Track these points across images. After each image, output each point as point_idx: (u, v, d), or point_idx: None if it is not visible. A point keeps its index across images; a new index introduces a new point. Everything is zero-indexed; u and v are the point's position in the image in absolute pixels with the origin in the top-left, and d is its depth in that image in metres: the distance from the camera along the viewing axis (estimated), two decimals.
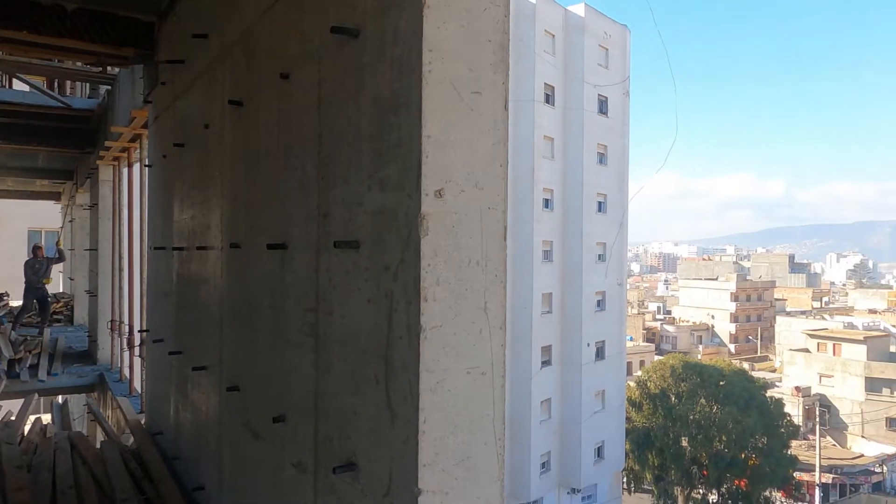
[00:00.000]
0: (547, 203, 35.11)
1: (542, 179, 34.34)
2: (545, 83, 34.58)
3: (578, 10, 36.08)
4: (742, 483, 41.06)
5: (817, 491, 49.52)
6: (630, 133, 39.91)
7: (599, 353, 37.25)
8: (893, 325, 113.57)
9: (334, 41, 2.18)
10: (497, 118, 1.91)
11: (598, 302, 37.19)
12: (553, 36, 35.12)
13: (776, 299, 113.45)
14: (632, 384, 45.54)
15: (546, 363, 34.92)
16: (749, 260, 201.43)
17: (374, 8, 1.98)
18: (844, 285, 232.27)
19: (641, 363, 63.94)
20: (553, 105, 35.23)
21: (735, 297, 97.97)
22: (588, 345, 36.06)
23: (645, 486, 43.88)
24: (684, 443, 40.73)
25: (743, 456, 40.36)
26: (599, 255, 37.02)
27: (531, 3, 33.55)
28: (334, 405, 2.31)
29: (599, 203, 37.04)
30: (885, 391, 61.04)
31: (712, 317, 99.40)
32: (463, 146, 1.89)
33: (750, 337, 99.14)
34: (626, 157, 39.37)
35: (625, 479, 42.25)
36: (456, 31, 1.87)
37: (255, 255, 3.13)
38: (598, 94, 36.71)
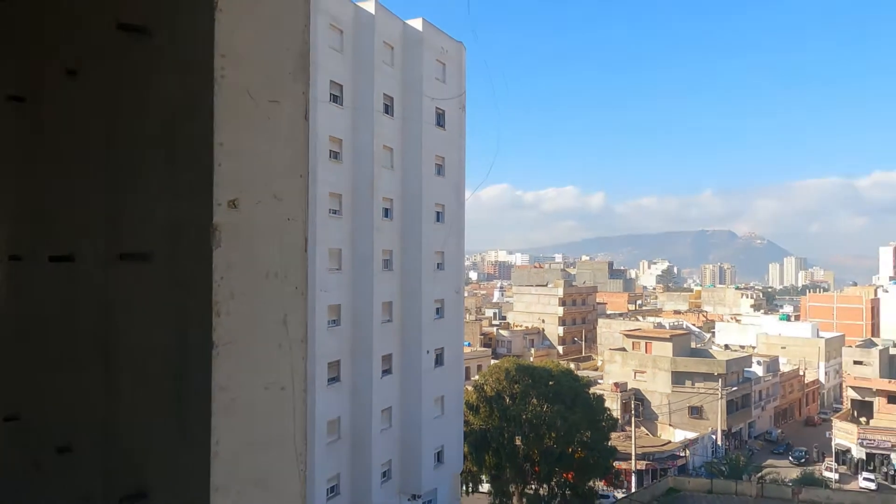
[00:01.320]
0: (387, 212, 35.38)
1: (381, 189, 34.54)
2: (384, 93, 34.91)
3: (417, 24, 36.91)
4: (570, 476, 44.00)
5: (633, 477, 54.34)
6: (466, 146, 41.40)
7: (439, 360, 38.10)
8: (693, 324, 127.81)
9: (124, 39, 2.02)
10: (297, 128, 1.86)
11: (438, 310, 38.07)
12: (392, 48, 35.59)
13: (598, 303, 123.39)
14: (470, 388, 47.14)
15: (387, 372, 35.06)
16: (575, 267, 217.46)
17: (167, 7, 1.86)
18: (654, 289, 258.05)
19: (479, 368, 66.33)
20: (392, 116, 35.64)
21: (562, 302, 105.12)
22: (428, 352, 36.75)
23: (482, 487, 45.53)
24: (518, 442, 42.86)
25: (570, 450, 43.27)
26: (438, 264, 37.94)
27: (370, 13, 33.76)
28: (125, 430, 2.13)
29: (438, 213, 38.02)
30: (688, 383, 68.62)
31: (543, 321, 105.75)
32: (260, 156, 1.82)
33: (576, 339, 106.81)
34: (462, 168, 40.79)
35: (463, 482, 43.50)
36: (252, 36, 1.81)
37: (38, 267, 2.81)
38: (436, 108, 37.75)
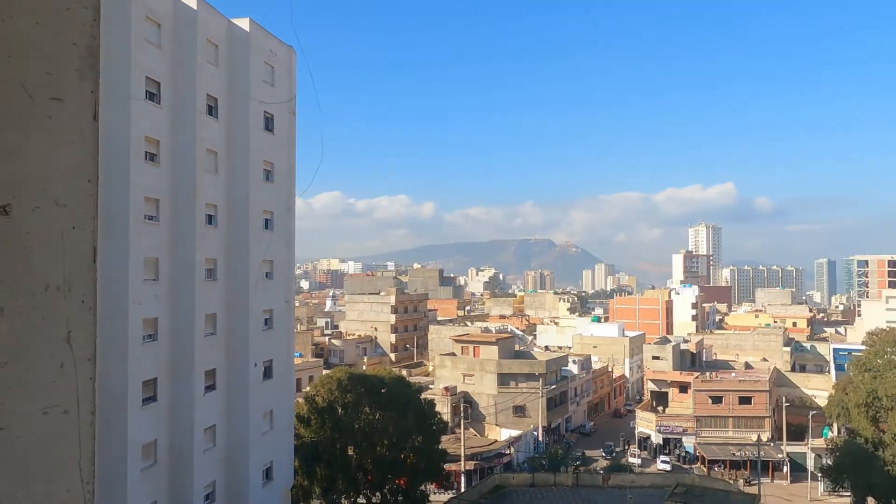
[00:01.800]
0: (210, 219, 33.46)
1: (205, 194, 32.63)
2: (208, 94, 33.07)
3: (244, 24, 35.46)
4: (402, 482, 44.44)
5: (462, 478, 56.16)
6: (297, 152, 40.47)
7: (268, 373, 36.69)
8: (517, 328, 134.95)
9: None
10: (84, 128, 1.73)
11: (266, 320, 36.68)
12: (216, 46, 33.86)
13: (429, 310, 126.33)
14: (301, 400, 45.95)
15: (210, 388, 33.06)
16: (407, 275, 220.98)
17: None
18: (482, 295, 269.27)
19: (311, 378, 64.96)
20: (217, 118, 33.87)
21: (395, 310, 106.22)
22: (255, 365, 35.24)
23: (314, 502, 44.50)
24: (351, 451, 42.49)
25: (403, 456, 43.71)
26: (267, 273, 36.61)
27: (192, 8, 31.87)
28: None
29: (266, 220, 36.70)
30: (513, 384, 72.46)
31: (376, 329, 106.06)
32: (37, 157, 1.67)
33: (408, 345, 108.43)
34: (292, 175, 39.77)
35: (294, 497, 42.21)
36: (29, 27, 1.65)
37: None
38: (265, 111, 36.49)
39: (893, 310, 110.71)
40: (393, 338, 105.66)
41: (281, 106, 37.70)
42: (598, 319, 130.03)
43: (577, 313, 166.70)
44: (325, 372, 59.51)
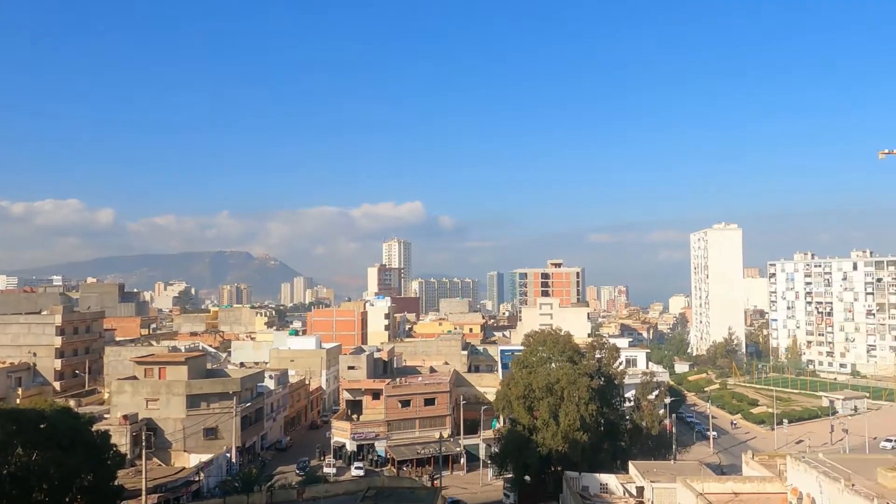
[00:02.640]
0: None
1: None
2: None
3: None
4: None
5: None
6: None
7: None
8: (210, 345, 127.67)
9: None
10: None
11: None
12: None
13: (106, 329, 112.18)
14: None
15: None
16: (78, 290, 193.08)
17: None
18: (171, 311, 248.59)
19: None
20: None
21: (61, 331, 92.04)
22: None
23: None
24: None
25: (68, 500, 37.94)
26: None
27: None
28: None
29: None
30: (204, 405, 68.12)
31: (35, 354, 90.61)
32: None
33: (78, 371, 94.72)
34: None
35: None
36: None
37: None
38: None
39: (545, 314, 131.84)
40: (58, 363, 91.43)
41: None
42: (296, 333, 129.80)
43: (274, 327, 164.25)
44: None
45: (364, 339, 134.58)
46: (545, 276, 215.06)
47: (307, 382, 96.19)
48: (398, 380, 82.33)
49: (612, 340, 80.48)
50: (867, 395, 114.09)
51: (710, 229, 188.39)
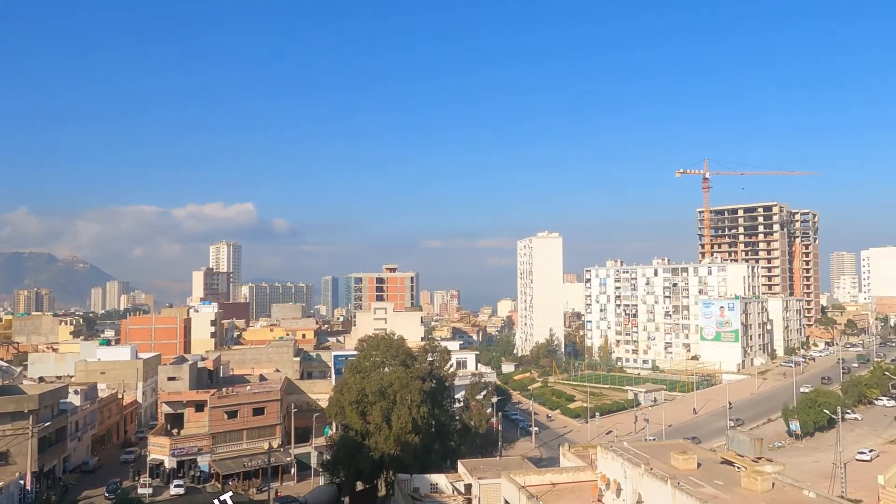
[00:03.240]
0: None
1: None
2: None
3: None
4: None
5: None
6: None
7: None
8: (2, 358, 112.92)
9: None
10: None
11: None
12: None
13: None
14: None
15: None
16: None
17: None
18: None
19: None
20: None
21: None
22: None
23: None
24: None
25: None
26: None
27: None
28: None
29: None
30: None
31: None
32: None
33: None
34: None
35: None
36: None
37: None
38: None
39: (379, 318, 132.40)
40: None
41: None
42: (107, 342, 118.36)
43: (82, 337, 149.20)
44: None
45: (187, 348, 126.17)
46: (380, 280, 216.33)
47: (120, 397, 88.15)
48: (224, 390, 78.20)
49: (444, 343, 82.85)
50: (664, 387, 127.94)
51: (534, 237, 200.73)
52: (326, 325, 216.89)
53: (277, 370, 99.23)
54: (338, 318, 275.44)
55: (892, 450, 74.42)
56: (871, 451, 75.57)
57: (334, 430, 71.96)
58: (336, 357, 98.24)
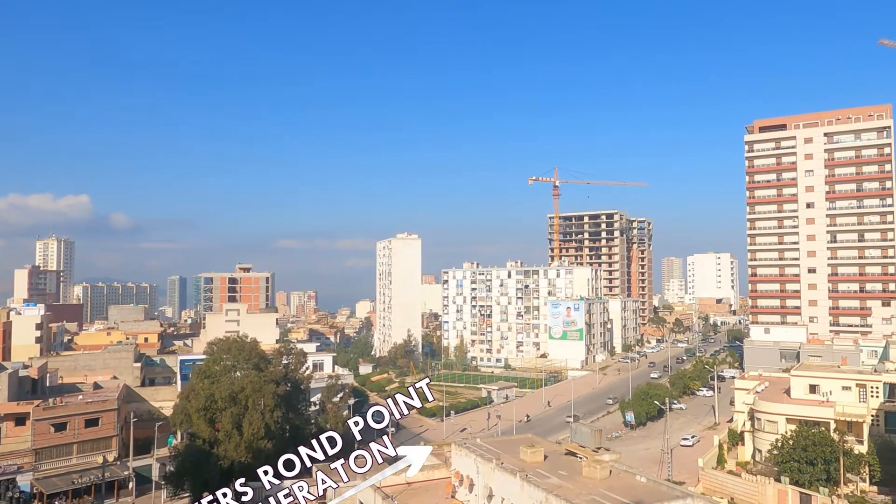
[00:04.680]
0: None
1: None
2: None
3: None
4: None
5: None
6: None
7: None
8: None
9: None
10: None
11: None
12: None
13: None
14: None
15: None
16: None
17: None
18: None
19: None
20: None
21: None
22: None
23: None
24: None
25: None
26: None
27: None
28: None
29: None
30: None
31: None
32: None
33: None
34: None
35: None
36: None
37: None
38: None
39: (231, 321, 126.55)
40: None
41: None
42: None
43: None
44: None
45: (7, 355, 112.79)
46: (233, 280, 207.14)
47: None
48: (51, 400, 70.84)
49: (300, 346, 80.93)
50: (515, 384, 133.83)
51: (394, 239, 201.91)
52: (173, 328, 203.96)
53: (115, 377, 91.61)
54: (185, 321, 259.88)
55: (710, 435, 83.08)
56: (693, 437, 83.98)
57: (179, 439, 67.81)
58: (183, 362, 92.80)
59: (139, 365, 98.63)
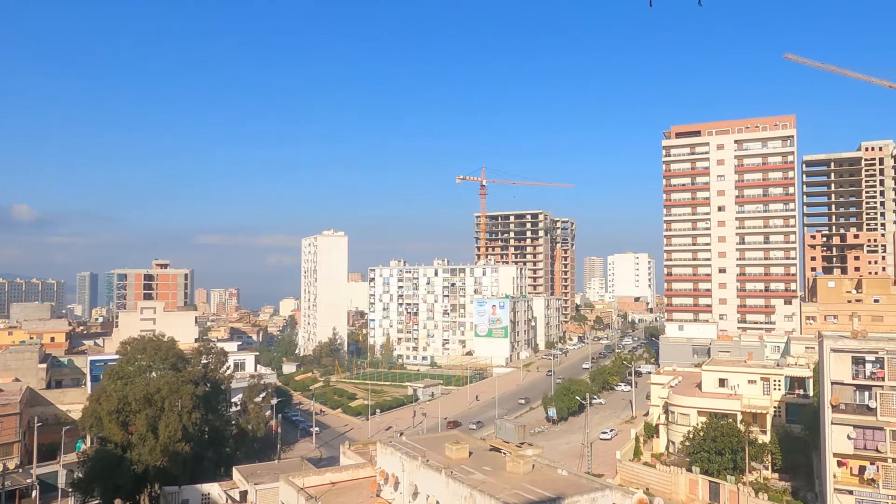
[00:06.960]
0: None
1: None
2: None
3: None
4: None
5: None
6: None
7: None
8: None
9: None
10: None
11: None
12: None
13: None
14: None
15: None
16: None
17: None
18: None
19: None
20: None
21: None
22: None
23: None
24: None
25: None
26: None
27: None
28: None
29: None
30: None
31: None
32: None
33: None
34: None
35: None
36: None
37: None
38: None
39: (147, 319, 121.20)
40: None
41: None
42: None
43: None
44: None
45: None
46: (149, 277, 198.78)
47: None
48: None
49: (220, 344, 78.38)
50: (441, 382, 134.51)
51: (320, 235, 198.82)
52: (82, 327, 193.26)
53: (17, 379, 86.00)
54: (96, 319, 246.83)
55: (627, 429, 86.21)
56: (611, 430, 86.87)
57: (89, 444, 64.42)
58: (93, 362, 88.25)
59: (44, 366, 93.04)
